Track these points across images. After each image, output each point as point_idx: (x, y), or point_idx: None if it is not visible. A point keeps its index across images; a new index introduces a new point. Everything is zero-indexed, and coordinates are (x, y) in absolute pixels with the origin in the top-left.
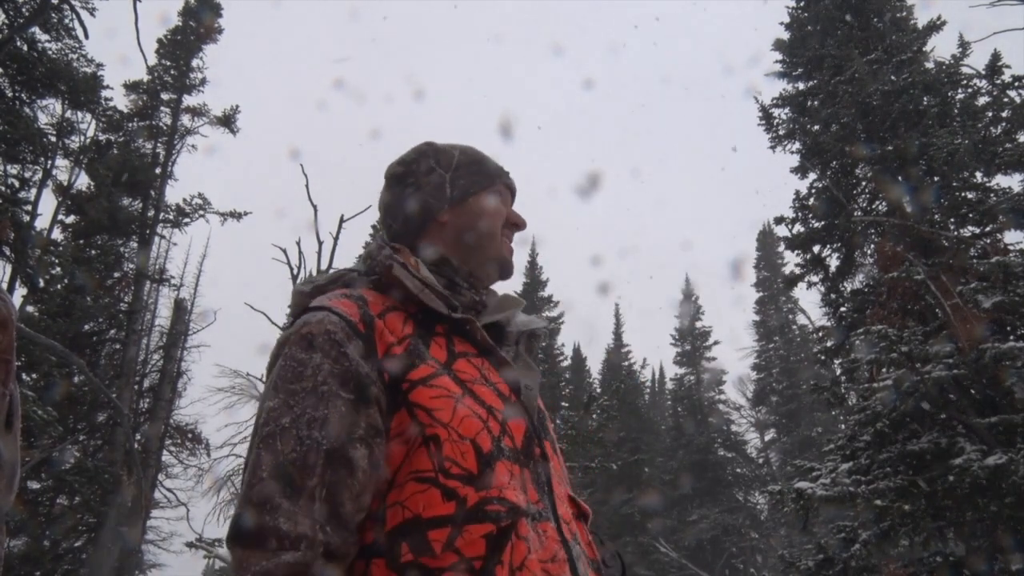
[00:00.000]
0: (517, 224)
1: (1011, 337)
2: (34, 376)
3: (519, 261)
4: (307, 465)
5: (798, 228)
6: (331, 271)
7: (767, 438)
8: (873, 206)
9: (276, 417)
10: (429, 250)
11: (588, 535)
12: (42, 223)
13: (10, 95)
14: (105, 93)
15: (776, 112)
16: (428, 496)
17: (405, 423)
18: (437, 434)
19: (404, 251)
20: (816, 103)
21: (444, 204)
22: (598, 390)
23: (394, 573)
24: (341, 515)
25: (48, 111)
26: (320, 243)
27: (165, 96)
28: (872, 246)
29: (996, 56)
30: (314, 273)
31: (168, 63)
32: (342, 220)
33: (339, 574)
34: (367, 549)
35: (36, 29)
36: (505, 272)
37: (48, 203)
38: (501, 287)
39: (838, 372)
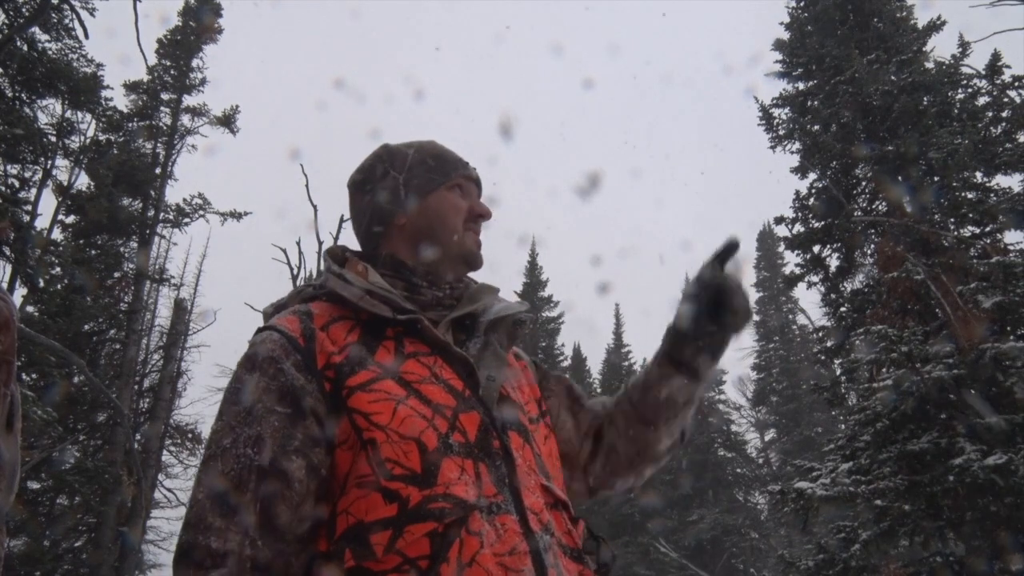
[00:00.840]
0: (481, 215)
1: (1011, 337)
2: (34, 376)
3: (519, 261)
4: (241, 482)
5: (798, 228)
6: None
7: (767, 438)
8: (873, 206)
9: (218, 439)
10: (385, 253)
11: (567, 523)
12: (42, 223)
13: (10, 95)
14: (105, 93)
15: (776, 112)
16: (370, 500)
17: (348, 431)
18: (374, 438)
19: (352, 260)
20: (816, 103)
21: (400, 207)
22: (598, 390)
23: None
24: (276, 527)
25: (48, 111)
26: (320, 243)
27: (165, 96)
28: (872, 246)
29: (996, 56)
30: (314, 273)
31: (168, 63)
32: (342, 220)
33: None
34: (320, 557)
35: (36, 29)
36: (472, 265)
37: (48, 203)
38: (493, 279)
39: (838, 372)
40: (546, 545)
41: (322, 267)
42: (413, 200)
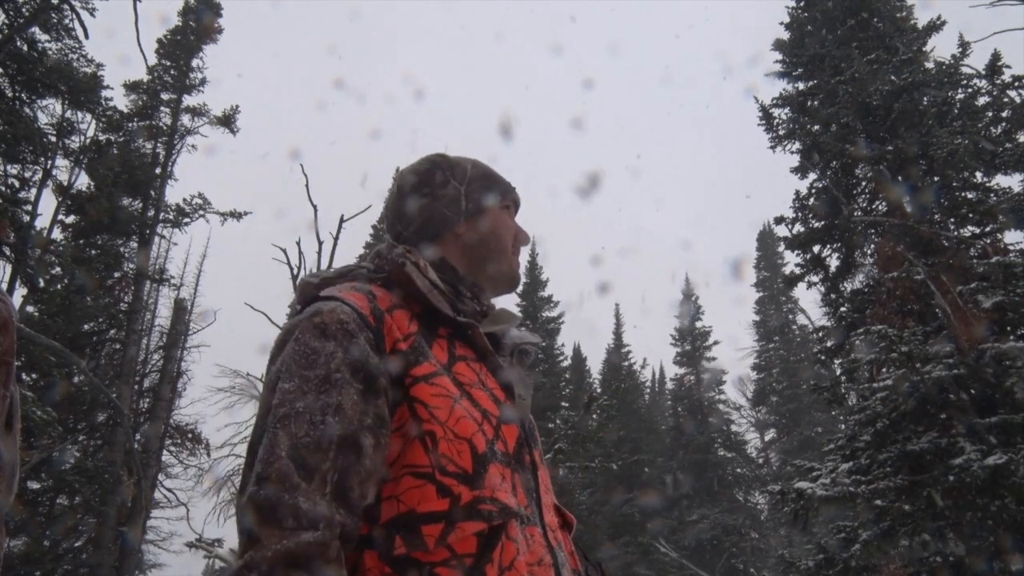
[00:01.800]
0: (523, 240)
1: (1011, 337)
2: (34, 376)
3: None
4: (320, 449)
5: (798, 228)
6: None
7: (767, 438)
8: (873, 206)
9: (291, 400)
10: (438, 257)
11: (571, 545)
12: (42, 223)
13: (10, 95)
14: (105, 93)
15: (776, 112)
16: (424, 491)
17: (405, 418)
18: (434, 431)
19: (414, 252)
20: (816, 103)
21: (460, 217)
22: (598, 390)
23: (387, 565)
24: (350, 499)
25: (48, 111)
26: (320, 243)
27: (165, 96)
28: (872, 246)
29: (996, 56)
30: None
31: (168, 63)
32: (342, 220)
33: (344, 557)
34: (360, 540)
35: (36, 29)
36: (512, 287)
37: (48, 203)
38: (501, 300)
39: (838, 372)
40: (562, 561)
41: (380, 250)
42: (473, 212)
